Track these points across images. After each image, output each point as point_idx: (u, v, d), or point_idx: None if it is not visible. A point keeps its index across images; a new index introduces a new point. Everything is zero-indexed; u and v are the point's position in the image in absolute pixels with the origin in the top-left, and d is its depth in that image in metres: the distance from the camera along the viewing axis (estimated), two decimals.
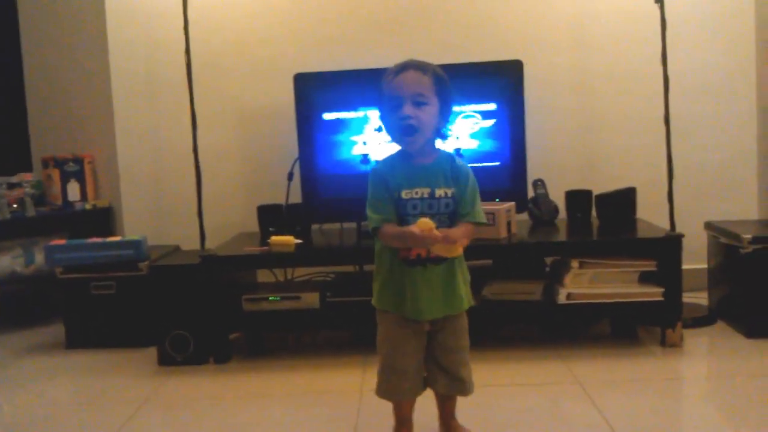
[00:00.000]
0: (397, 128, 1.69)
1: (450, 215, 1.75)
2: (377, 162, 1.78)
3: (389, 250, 1.75)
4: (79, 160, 3.47)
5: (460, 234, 1.69)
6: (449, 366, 1.80)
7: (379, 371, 1.82)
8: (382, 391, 1.82)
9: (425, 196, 1.72)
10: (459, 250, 1.69)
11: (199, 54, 3.18)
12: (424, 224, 1.65)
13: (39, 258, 3.27)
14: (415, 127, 1.68)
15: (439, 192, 1.73)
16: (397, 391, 1.81)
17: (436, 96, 1.71)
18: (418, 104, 1.68)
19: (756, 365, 2.45)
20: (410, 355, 1.79)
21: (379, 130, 2.86)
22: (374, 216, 1.73)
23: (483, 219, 1.78)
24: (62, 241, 3.01)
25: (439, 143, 1.81)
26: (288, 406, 2.31)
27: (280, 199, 3.22)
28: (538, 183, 3.10)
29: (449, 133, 1.80)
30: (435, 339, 1.80)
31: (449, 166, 1.76)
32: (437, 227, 1.67)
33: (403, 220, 1.72)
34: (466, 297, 1.80)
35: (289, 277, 3.27)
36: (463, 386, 1.83)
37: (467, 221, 1.74)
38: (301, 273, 3.25)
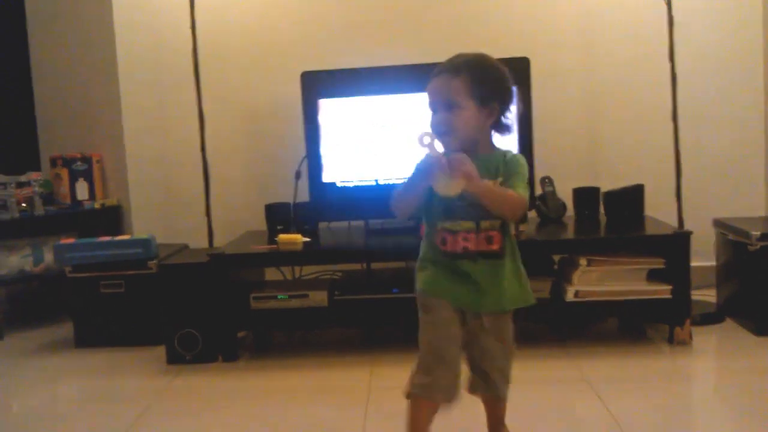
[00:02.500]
0: (434, 134, 1.61)
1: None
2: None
3: (431, 242, 1.67)
4: (87, 159, 3.48)
5: (475, 175, 1.53)
6: (489, 370, 1.74)
7: (416, 366, 1.66)
8: (418, 387, 1.63)
9: None
10: (456, 189, 1.54)
11: (207, 53, 3.19)
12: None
13: (48, 257, 3.29)
14: (447, 132, 1.62)
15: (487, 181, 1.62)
16: (435, 386, 1.62)
17: (472, 97, 1.61)
18: (449, 109, 1.62)
19: (765, 362, 2.44)
20: (455, 343, 1.66)
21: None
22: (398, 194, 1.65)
23: (522, 191, 1.62)
24: (71, 240, 3.03)
25: (497, 137, 1.70)
26: (296, 404, 2.31)
27: (288, 198, 3.22)
28: (546, 180, 3.09)
29: (508, 124, 1.68)
30: (476, 340, 1.71)
31: (502, 160, 1.66)
32: (480, 217, 1.61)
33: (445, 213, 1.64)
34: (520, 295, 1.72)
35: (296, 275, 3.28)
36: (500, 389, 1.76)
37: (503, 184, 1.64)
38: (308, 271, 3.26)
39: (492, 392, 1.77)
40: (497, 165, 1.65)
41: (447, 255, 1.65)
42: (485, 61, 1.67)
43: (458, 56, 1.67)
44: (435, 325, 1.65)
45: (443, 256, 1.65)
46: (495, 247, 1.65)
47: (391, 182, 2.91)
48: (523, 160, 1.67)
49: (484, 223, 1.64)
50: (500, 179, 1.64)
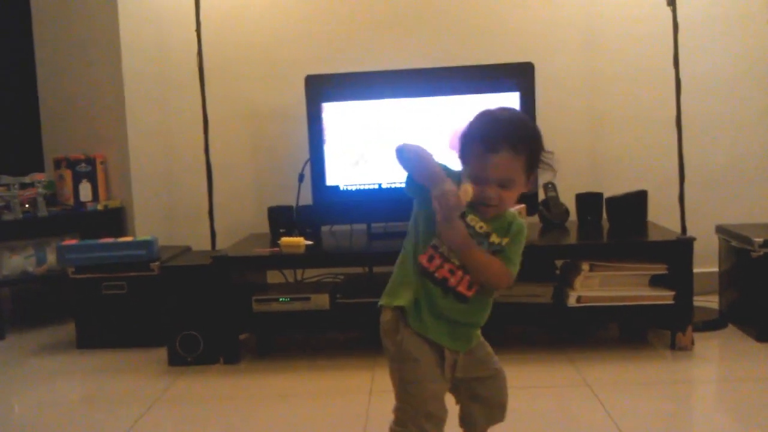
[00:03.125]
0: (476, 199, 1.52)
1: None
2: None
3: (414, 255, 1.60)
4: (91, 161, 3.49)
5: (474, 247, 1.52)
6: (492, 394, 1.68)
7: (404, 419, 1.55)
8: None
9: (480, 231, 1.56)
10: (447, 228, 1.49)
11: (211, 55, 3.20)
12: (465, 193, 1.47)
13: (51, 258, 3.29)
14: (495, 207, 1.55)
15: (494, 239, 1.58)
16: None
17: (524, 173, 1.54)
18: (504, 186, 1.52)
19: (766, 369, 2.43)
20: (441, 386, 1.59)
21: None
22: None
23: (514, 268, 1.58)
24: (74, 241, 3.03)
25: None
26: (297, 406, 2.31)
27: (291, 201, 3.23)
28: (549, 186, 3.09)
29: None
30: (463, 374, 1.62)
31: (508, 224, 1.60)
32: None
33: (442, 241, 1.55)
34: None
35: (298, 278, 3.28)
36: (503, 412, 1.71)
37: (498, 256, 1.59)
38: (310, 275, 3.26)
39: (494, 421, 1.71)
40: (506, 227, 1.60)
41: (425, 273, 1.56)
42: (536, 133, 1.58)
43: (513, 122, 1.54)
44: (425, 381, 1.56)
45: (420, 272, 1.56)
46: (469, 294, 1.57)
47: (394, 186, 2.91)
48: (526, 231, 1.62)
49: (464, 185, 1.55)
50: (504, 241, 1.58)
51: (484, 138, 1.52)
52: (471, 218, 1.56)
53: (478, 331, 1.65)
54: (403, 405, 1.56)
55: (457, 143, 1.60)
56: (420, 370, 1.56)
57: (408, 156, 1.55)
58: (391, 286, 1.65)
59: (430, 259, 1.56)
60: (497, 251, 1.57)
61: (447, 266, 1.56)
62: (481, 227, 1.57)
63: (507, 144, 1.50)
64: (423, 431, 1.53)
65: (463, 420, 1.71)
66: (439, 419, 1.57)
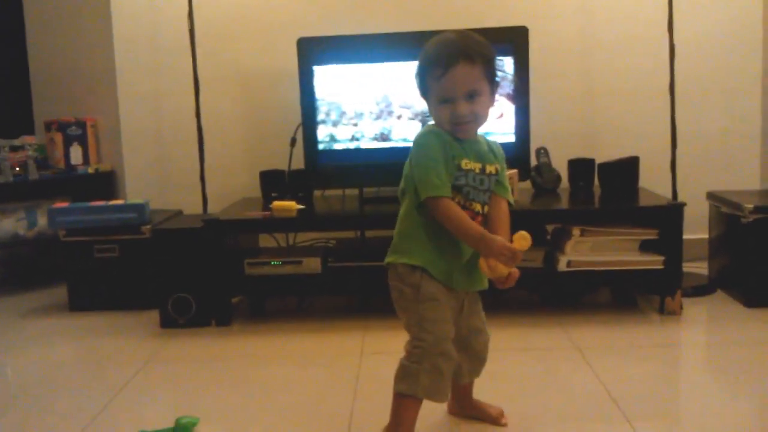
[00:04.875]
0: (451, 123, 1.59)
1: (491, 193, 1.68)
2: (429, 127, 1.64)
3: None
4: (81, 124, 3.46)
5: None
6: (481, 348, 1.75)
7: (419, 355, 1.59)
8: (429, 391, 1.59)
9: (477, 171, 1.63)
10: (497, 274, 1.57)
11: (202, 18, 3.17)
12: (524, 241, 1.52)
13: (42, 221, 3.28)
14: (472, 122, 1.60)
15: (489, 168, 1.65)
16: (442, 391, 1.61)
17: (487, 82, 1.60)
18: (471, 97, 1.58)
19: (754, 333, 2.46)
20: (453, 329, 1.65)
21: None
22: (436, 182, 1.56)
23: (511, 197, 1.74)
24: (65, 204, 3.02)
25: None
26: (288, 366, 2.33)
27: (283, 165, 3.22)
28: (542, 151, 3.09)
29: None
30: (464, 321, 1.71)
31: (487, 143, 1.69)
32: (483, 205, 1.64)
33: (458, 190, 1.61)
34: (484, 277, 1.69)
35: (290, 242, 3.29)
36: (482, 367, 1.79)
37: (506, 198, 1.71)
38: (302, 239, 3.26)
39: (476, 375, 1.79)
40: (487, 149, 1.68)
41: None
42: (484, 41, 1.63)
43: (461, 38, 1.60)
44: (443, 321, 1.62)
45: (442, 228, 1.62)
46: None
47: (386, 149, 2.91)
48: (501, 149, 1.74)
49: (486, 208, 1.67)
50: (497, 167, 1.67)
51: (438, 58, 1.58)
52: (465, 161, 1.61)
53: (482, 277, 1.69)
54: (420, 343, 1.60)
55: (416, 81, 1.66)
56: (440, 309, 1.62)
57: (447, 219, 1.59)
58: (399, 241, 1.68)
59: None
60: (496, 181, 1.67)
61: (466, 213, 1.62)
62: (474, 166, 1.63)
63: (461, 55, 1.56)
64: (437, 367, 1.59)
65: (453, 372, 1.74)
66: (452, 358, 1.62)
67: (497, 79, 1.63)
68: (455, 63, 1.56)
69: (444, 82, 1.57)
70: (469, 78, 1.57)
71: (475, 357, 1.76)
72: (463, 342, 1.72)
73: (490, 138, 1.74)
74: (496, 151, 1.71)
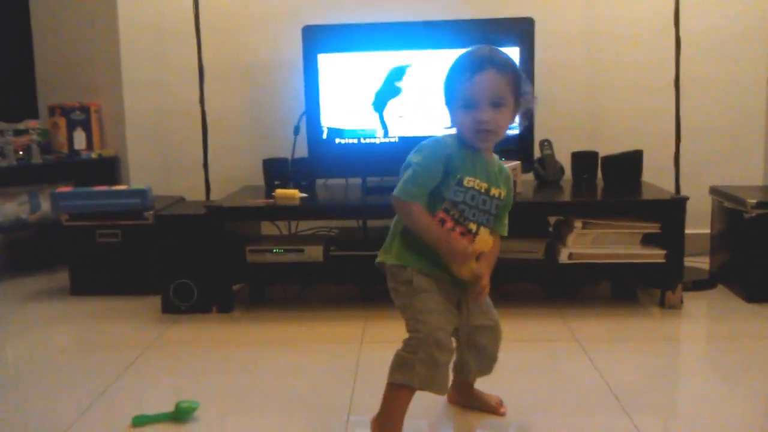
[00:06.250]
0: (472, 130, 1.59)
1: (495, 218, 1.68)
2: (444, 136, 1.63)
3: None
4: (85, 109, 3.46)
5: (488, 272, 1.66)
6: (487, 344, 1.75)
7: (415, 345, 1.60)
8: (423, 382, 1.59)
9: (482, 190, 1.62)
10: (465, 274, 1.63)
11: (207, 4, 3.15)
12: (484, 244, 1.61)
13: (45, 205, 3.29)
14: (492, 132, 1.60)
15: (495, 191, 1.65)
16: (439, 382, 1.61)
17: (512, 95, 1.60)
18: (496, 106, 1.58)
19: (754, 328, 2.46)
20: (449, 320, 1.65)
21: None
22: (411, 189, 1.59)
23: (505, 232, 1.76)
24: (68, 189, 3.02)
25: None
26: (289, 354, 2.34)
27: (286, 153, 3.22)
28: (545, 143, 3.09)
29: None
30: (466, 319, 1.71)
31: (499, 166, 1.69)
32: (483, 226, 1.64)
33: (454, 205, 1.61)
34: None
35: (293, 231, 3.29)
36: (493, 365, 1.78)
37: (500, 234, 1.73)
38: (304, 228, 3.27)
39: (486, 372, 1.79)
40: (497, 171, 1.68)
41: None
42: (513, 60, 1.65)
43: (492, 50, 1.61)
44: (437, 312, 1.63)
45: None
46: None
47: (390, 141, 2.91)
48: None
49: (483, 231, 1.64)
50: (503, 192, 1.68)
51: (469, 64, 1.60)
52: (468, 179, 1.61)
53: None
54: (415, 334, 1.61)
55: (442, 91, 1.66)
56: (431, 299, 1.63)
57: (413, 223, 1.63)
58: (388, 241, 1.70)
59: (442, 222, 1.61)
60: (498, 206, 1.66)
61: (459, 229, 1.62)
62: (479, 185, 1.62)
63: (491, 63, 1.58)
64: (432, 357, 1.58)
65: (457, 366, 1.76)
66: (448, 348, 1.62)
67: (521, 96, 1.62)
68: (485, 69, 1.58)
69: (471, 85, 1.57)
70: (497, 86, 1.57)
71: (482, 353, 1.75)
72: (468, 340, 1.73)
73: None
74: (506, 177, 1.70)
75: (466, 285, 1.68)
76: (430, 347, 1.59)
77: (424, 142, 1.64)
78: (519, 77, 1.61)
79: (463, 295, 1.71)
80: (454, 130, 1.65)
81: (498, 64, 1.58)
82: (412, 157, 1.62)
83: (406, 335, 1.64)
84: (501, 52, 1.62)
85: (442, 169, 1.59)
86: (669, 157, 2.89)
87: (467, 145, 1.62)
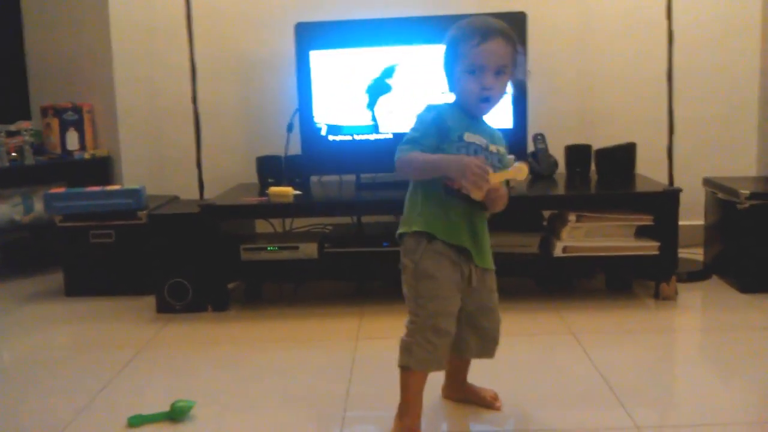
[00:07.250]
0: (475, 95, 1.64)
1: (498, 171, 1.68)
2: (436, 104, 1.69)
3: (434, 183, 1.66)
4: (78, 109, 3.46)
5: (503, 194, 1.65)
6: (490, 327, 1.76)
7: (413, 330, 1.64)
8: (422, 363, 1.64)
9: (483, 146, 1.66)
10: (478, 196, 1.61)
11: (199, 2, 3.14)
12: (521, 171, 1.62)
13: (38, 206, 3.28)
14: (493, 98, 1.65)
15: (493, 147, 1.68)
16: (436, 361, 1.65)
17: (512, 65, 1.65)
18: (499, 74, 1.63)
19: (748, 319, 2.47)
20: (455, 312, 1.67)
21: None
22: (406, 147, 1.63)
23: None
24: (62, 190, 3.02)
25: None
26: (284, 351, 2.34)
27: (280, 151, 3.22)
28: (539, 137, 3.09)
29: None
30: (471, 298, 1.72)
31: (492, 129, 1.73)
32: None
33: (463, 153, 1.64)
34: (491, 258, 1.75)
35: (287, 228, 3.29)
36: (495, 348, 1.79)
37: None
38: (299, 225, 3.26)
39: (487, 355, 1.79)
40: (491, 131, 1.72)
41: (450, 192, 1.63)
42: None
43: (497, 20, 1.66)
44: (438, 298, 1.64)
45: (446, 195, 1.64)
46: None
47: (383, 137, 2.90)
48: None
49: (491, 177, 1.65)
50: (502, 149, 1.71)
51: (477, 30, 1.63)
52: (468, 135, 1.64)
53: (491, 257, 1.74)
54: (415, 318, 1.65)
55: (443, 56, 1.69)
56: (435, 286, 1.64)
57: (413, 166, 1.64)
58: (406, 212, 1.72)
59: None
60: (500, 161, 1.69)
61: None
62: (480, 141, 1.66)
63: (500, 32, 1.63)
64: (428, 341, 1.62)
65: (456, 346, 1.75)
66: (447, 333, 1.65)
67: (516, 67, 1.67)
68: (494, 36, 1.62)
69: (480, 51, 1.61)
70: (503, 53, 1.63)
71: (484, 335, 1.76)
72: (470, 318, 1.73)
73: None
74: (500, 138, 1.74)
75: (480, 264, 1.69)
76: (427, 331, 1.62)
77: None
78: (518, 49, 1.67)
79: (473, 271, 1.70)
80: (451, 96, 1.69)
81: (505, 33, 1.64)
82: (409, 129, 1.68)
83: (401, 332, 1.66)
84: (500, 21, 1.68)
85: (435, 129, 1.63)
86: (662, 149, 2.90)
87: (463, 110, 1.67)
